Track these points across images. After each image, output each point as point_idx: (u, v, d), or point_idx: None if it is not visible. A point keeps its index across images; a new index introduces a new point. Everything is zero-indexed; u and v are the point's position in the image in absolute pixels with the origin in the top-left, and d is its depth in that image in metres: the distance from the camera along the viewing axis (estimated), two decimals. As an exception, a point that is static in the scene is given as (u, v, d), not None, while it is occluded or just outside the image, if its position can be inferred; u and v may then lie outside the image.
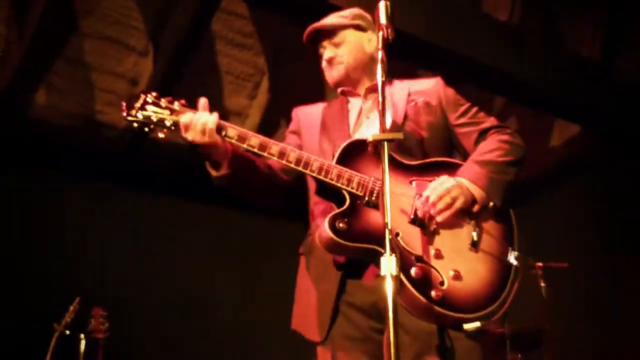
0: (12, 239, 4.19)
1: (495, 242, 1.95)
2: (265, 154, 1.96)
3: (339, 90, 2.25)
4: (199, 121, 1.95)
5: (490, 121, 2.12)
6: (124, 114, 1.98)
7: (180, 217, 4.88)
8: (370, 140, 1.77)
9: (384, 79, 1.84)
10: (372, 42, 2.23)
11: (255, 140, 1.96)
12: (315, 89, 5.22)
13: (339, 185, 1.92)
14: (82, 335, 3.69)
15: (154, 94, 2.02)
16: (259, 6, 4.28)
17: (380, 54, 1.87)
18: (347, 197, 1.92)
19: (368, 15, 2.27)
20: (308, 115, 2.28)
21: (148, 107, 1.99)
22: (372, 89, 2.16)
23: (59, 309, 3.75)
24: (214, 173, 2.02)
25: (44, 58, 4.35)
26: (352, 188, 1.92)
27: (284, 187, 2.17)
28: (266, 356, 4.72)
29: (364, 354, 1.94)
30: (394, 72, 2.10)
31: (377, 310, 1.92)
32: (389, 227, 1.64)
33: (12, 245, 4.18)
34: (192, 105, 2.04)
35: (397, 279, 1.59)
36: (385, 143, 1.73)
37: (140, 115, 1.98)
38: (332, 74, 2.21)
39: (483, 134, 2.09)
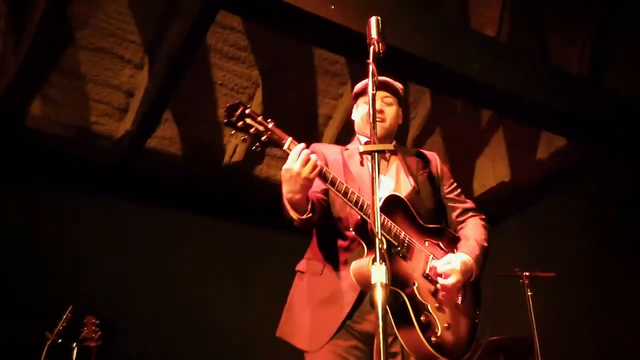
0: (5, 248, 4.19)
1: (471, 302, 2.34)
2: (343, 196, 2.14)
3: (364, 142, 2.47)
4: (312, 158, 2.08)
5: (470, 203, 2.55)
6: (224, 119, 2.07)
7: (174, 227, 4.90)
8: (360, 152, 1.94)
9: (374, 92, 1.98)
10: (400, 117, 2.55)
11: (341, 185, 2.15)
12: (308, 103, 5.31)
13: (385, 234, 2.15)
14: (74, 344, 3.68)
15: (249, 106, 2.12)
16: (253, 20, 4.35)
17: (371, 67, 1.99)
18: (384, 244, 2.11)
19: None
20: (332, 153, 2.46)
21: (246, 118, 2.08)
22: (392, 152, 2.44)
23: (51, 318, 3.74)
24: (302, 216, 2.15)
25: (39, 69, 4.39)
26: (391, 238, 2.19)
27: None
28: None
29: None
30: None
31: (369, 339, 2.19)
32: (379, 235, 1.76)
33: (5, 254, 4.19)
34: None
35: (385, 285, 1.69)
36: (376, 154, 1.86)
37: (239, 124, 2.07)
38: (379, 126, 2.38)
39: (465, 212, 2.50)
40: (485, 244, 2.43)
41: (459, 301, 2.28)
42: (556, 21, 4.88)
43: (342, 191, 2.14)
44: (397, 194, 2.31)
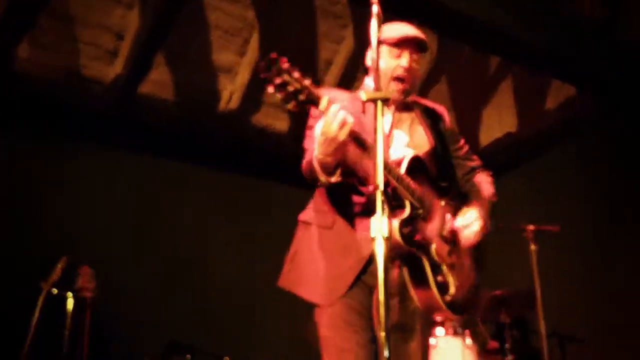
0: (-2, 198, 4.12)
1: (473, 265, 2.36)
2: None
3: (385, 100, 2.34)
4: (349, 120, 1.98)
5: (477, 161, 2.54)
6: (263, 74, 1.91)
7: (168, 176, 4.80)
8: (364, 100, 1.88)
9: (379, 36, 1.92)
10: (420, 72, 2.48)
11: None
12: (308, 46, 5.09)
13: (407, 194, 2.12)
14: (69, 294, 3.65)
15: (286, 61, 1.94)
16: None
17: (375, 8, 1.91)
18: (408, 206, 2.13)
19: None
20: (343, 102, 2.25)
21: (284, 74, 1.91)
22: (405, 106, 2.37)
23: (46, 268, 3.68)
24: (331, 179, 2.09)
25: (27, 11, 4.18)
26: (415, 200, 2.15)
27: None
28: (259, 315, 4.75)
29: (361, 328, 2.16)
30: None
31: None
32: (382, 187, 1.70)
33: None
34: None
35: (387, 239, 1.68)
36: (379, 102, 1.79)
37: (277, 80, 1.90)
38: (402, 87, 2.29)
39: (472, 170, 2.50)
40: (494, 199, 2.46)
41: (470, 260, 2.32)
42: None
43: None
44: (419, 155, 2.25)
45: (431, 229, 2.21)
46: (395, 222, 2.07)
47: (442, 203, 2.30)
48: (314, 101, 1.96)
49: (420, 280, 2.14)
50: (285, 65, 1.92)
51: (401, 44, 2.28)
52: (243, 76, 4.96)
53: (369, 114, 2.25)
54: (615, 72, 4.66)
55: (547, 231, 3.58)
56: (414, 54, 2.29)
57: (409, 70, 2.28)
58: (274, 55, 1.92)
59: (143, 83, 4.69)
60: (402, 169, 2.14)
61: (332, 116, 1.97)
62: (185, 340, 4.01)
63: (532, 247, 3.55)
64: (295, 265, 2.27)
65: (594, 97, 4.97)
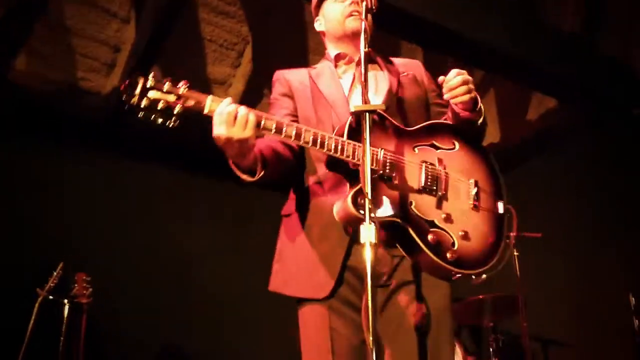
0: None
1: (488, 197, 2.09)
2: (282, 136, 1.87)
3: (334, 54, 2.24)
4: (240, 113, 1.80)
5: None
6: (124, 101, 1.75)
7: (164, 184, 4.89)
8: (352, 112, 1.87)
9: (367, 49, 1.90)
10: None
11: (290, 129, 1.86)
12: (298, 61, 5.21)
13: (354, 161, 1.89)
14: (65, 301, 3.71)
15: (151, 76, 1.79)
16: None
17: (363, 24, 1.93)
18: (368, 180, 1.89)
19: None
20: (297, 78, 2.23)
21: (150, 92, 1.76)
22: (368, 57, 2.06)
23: (42, 274, 3.76)
24: (248, 178, 1.92)
25: (24, 23, 4.27)
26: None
27: (294, 163, 2.12)
28: (252, 323, 4.81)
29: (352, 330, 1.97)
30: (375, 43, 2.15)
31: (377, 277, 1.94)
32: (369, 196, 1.70)
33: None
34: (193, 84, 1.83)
35: (374, 245, 1.65)
36: (367, 114, 1.79)
37: (143, 103, 1.75)
38: (358, 24, 2.12)
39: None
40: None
41: (473, 200, 2.03)
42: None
43: (294, 135, 1.86)
44: (364, 107, 1.92)
45: (403, 186, 1.93)
46: (349, 198, 1.82)
47: (416, 150, 2.02)
48: (196, 108, 1.80)
49: (410, 247, 1.92)
50: (149, 82, 1.76)
51: None
52: (237, 87, 5.08)
53: (324, 81, 2.14)
54: (595, 84, 4.78)
55: (530, 238, 3.72)
56: None
57: (357, 4, 2.10)
58: (134, 77, 1.76)
59: (139, 94, 4.78)
60: (344, 136, 1.91)
61: (218, 115, 1.79)
62: (181, 346, 4.08)
63: (515, 253, 3.69)
64: (282, 265, 2.10)
65: (574, 108, 5.12)
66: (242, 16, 4.82)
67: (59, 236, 4.24)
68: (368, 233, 1.67)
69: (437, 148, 2.07)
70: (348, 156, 1.90)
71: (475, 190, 2.05)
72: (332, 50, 2.30)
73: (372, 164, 1.86)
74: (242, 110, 1.82)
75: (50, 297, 3.73)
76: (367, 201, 1.71)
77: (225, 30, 4.85)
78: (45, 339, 3.60)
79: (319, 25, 2.34)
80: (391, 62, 2.28)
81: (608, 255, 4.56)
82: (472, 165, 2.11)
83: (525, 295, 3.62)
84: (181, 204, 4.94)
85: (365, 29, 1.93)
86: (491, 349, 3.80)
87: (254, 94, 5.16)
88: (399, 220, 1.90)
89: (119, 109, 4.74)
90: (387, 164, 1.94)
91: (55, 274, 3.77)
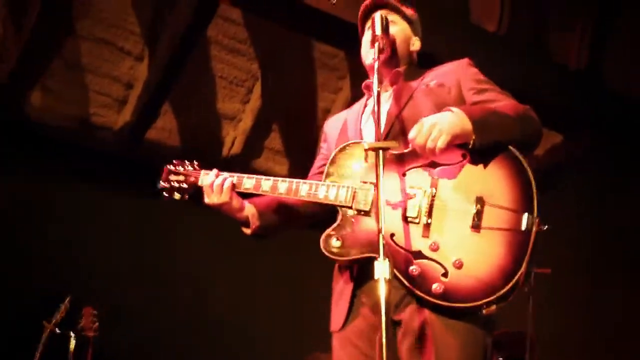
0: (5, 237, 4.20)
1: (505, 213, 1.82)
2: (260, 192, 2.11)
3: (363, 85, 2.25)
4: (216, 183, 2.11)
5: (510, 101, 2.02)
6: (158, 187, 2.24)
7: (174, 218, 4.90)
8: (366, 149, 1.87)
9: (379, 89, 1.90)
10: (415, 45, 2.24)
11: (267, 184, 2.09)
12: (307, 96, 5.31)
13: (327, 203, 2.00)
14: (72, 334, 3.70)
15: (175, 162, 2.26)
16: (252, 12, 4.35)
17: (376, 65, 1.93)
18: (339, 210, 1.98)
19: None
20: (335, 120, 2.35)
21: (171, 176, 2.23)
22: (392, 78, 2.14)
23: (49, 308, 3.76)
24: (247, 231, 2.21)
25: (40, 59, 4.39)
26: (340, 201, 1.96)
27: (306, 213, 2.25)
28: (261, 353, 4.77)
29: (372, 348, 1.91)
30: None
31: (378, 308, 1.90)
32: (382, 232, 1.70)
33: (4, 244, 4.20)
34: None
35: (389, 281, 1.65)
36: (380, 152, 1.77)
37: (166, 185, 2.24)
38: (379, 55, 1.97)
39: None
40: (504, 110, 1.92)
41: (472, 222, 1.82)
42: (556, 15, 4.88)
43: (270, 188, 2.08)
44: (350, 141, 2.06)
45: (386, 218, 1.79)
46: (322, 238, 1.94)
47: (405, 175, 1.93)
48: (195, 182, 2.17)
49: (396, 280, 1.83)
50: (170, 166, 2.24)
51: (366, 14, 2.19)
52: (246, 122, 5.15)
53: (353, 119, 2.19)
54: (601, 119, 4.82)
55: (538, 274, 3.69)
56: (383, 14, 2.08)
57: (381, 37, 1.97)
58: (165, 167, 2.24)
59: (150, 130, 4.86)
60: (323, 176, 2.04)
61: (204, 188, 2.13)
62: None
63: (525, 289, 3.65)
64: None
65: (581, 143, 5.16)
66: (252, 54, 4.93)
67: (67, 269, 4.27)
68: (382, 269, 1.67)
69: (437, 166, 1.90)
70: (320, 199, 2.02)
71: (475, 209, 1.83)
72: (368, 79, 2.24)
73: (344, 201, 1.95)
74: (219, 179, 2.11)
75: (57, 330, 3.71)
76: (380, 237, 1.70)
77: (235, 68, 4.96)
78: (51, 371, 3.58)
79: (363, 56, 2.26)
80: (419, 74, 2.15)
81: (618, 291, 4.52)
82: (484, 178, 1.88)
83: (535, 332, 3.58)
84: (192, 237, 4.94)
85: (377, 69, 1.92)
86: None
87: (263, 129, 5.25)
88: (374, 256, 1.72)
89: (130, 143, 4.82)
90: (363, 199, 1.94)
91: (62, 307, 3.76)
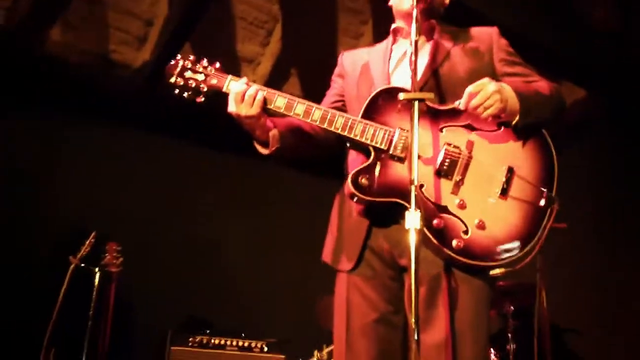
0: (29, 175, 4.26)
1: (529, 186, 1.97)
2: (292, 114, 2.04)
3: (392, 28, 2.24)
4: (248, 92, 2.00)
5: (539, 78, 2.13)
6: (166, 79, 2.07)
7: (194, 159, 4.96)
8: (400, 99, 1.87)
9: (417, 37, 1.90)
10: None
11: (300, 107, 2.01)
12: (327, 41, 5.22)
13: (362, 141, 1.98)
14: (96, 269, 3.82)
15: (191, 57, 2.08)
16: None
17: (415, 12, 1.93)
18: (372, 151, 1.99)
19: None
20: (353, 57, 2.29)
21: (186, 72, 2.06)
22: (427, 30, 2.14)
23: (75, 243, 3.85)
24: (264, 151, 2.10)
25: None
26: (377, 142, 1.97)
27: (325, 143, 2.21)
28: (281, 296, 4.90)
29: (378, 297, 2.02)
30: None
31: (392, 257, 2.03)
32: (416, 182, 1.74)
33: (29, 181, 4.26)
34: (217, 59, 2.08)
35: (419, 231, 1.70)
36: (416, 102, 1.81)
37: (180, 82, 2.06)
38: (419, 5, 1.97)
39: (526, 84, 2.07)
40: (542, 91, 2.02)
41: (501, 188, 1.94)
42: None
43: (303, 112, 2.00)
44: (390, 86, 2.05)
45: (419, 169, 1.80)
46: (350, 176, 1.94)
47: (444, 131, 1.98)
48: (217, 87, 2.05)
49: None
50: (185, 62, 2.06)
51: None
52: (265, 66, 5.10)
53: (376, 60, 2.15)
54: (624, 79, 4.78)
55: (553, 228, 3.74)
56: None
57: None
58: (177, 58, 2.07)
59: (169, 70, 4.81)
60: (359, 114, 2.00)
61: (232, 94, 1.99)
62: (205, 316, 4.19)
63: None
64: (329, 234, 2.20)
65: (603, 100, 5.11)
66: (273, -6, 4.83)
67: (91, 206, 4.34)
68: (413, 219, 1.72)
69: (473, 129, 2.00)
70: (356, 135, 1.98)
71: (505, 177, 1.96)
72: (394, 24, 2.26)
73: (381, 144, 1.96)
74: (251, 89, 2.00)
75: (82, 265, 3.82)
76: (413, 188, 1.75)
77: (256, 8, 4.86)
78: (77, 305, 3.71)
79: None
80: (454, 33, 2.17)
81: (632, 247, 4.58)
82: (515, 150, 2.00)
83: (546, 284, 3.66)
84: (209, 179, 5.01)
85: (416, 17, 1.92)
86: (509, 335, 3.87)
87: (282, 73, 5.19)
88: (400, 202, 1.88)
89: (151, 82, 4.80)
90: (400, 144, 1.95)
91: (87, 242, 3.86)
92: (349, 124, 1.99)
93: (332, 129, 2.01)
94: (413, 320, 1.67)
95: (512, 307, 3.92)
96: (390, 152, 1.97)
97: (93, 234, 3.87)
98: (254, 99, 1.99)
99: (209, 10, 4.53)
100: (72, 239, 3.89)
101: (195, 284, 4.63)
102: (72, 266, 3.80)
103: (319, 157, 2.32)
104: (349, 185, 1.94)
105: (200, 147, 4.96)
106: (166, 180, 4.80)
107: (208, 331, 4.04)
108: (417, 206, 1.75)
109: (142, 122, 4.76)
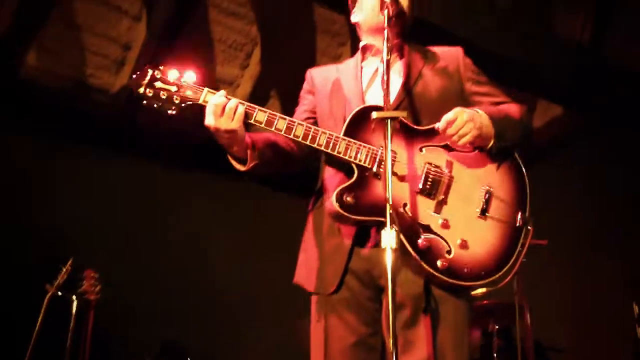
0: (4, 200, 4.19)
1: (506, 207, 1.99)
2: (273, 129, 1.96)
3: (361, 45, 2.24)
4: (229, 105, 1.91)
5: (504, 97, 2.16)
6: (133, 90, 1.94)
7: (173, 181, 4.91)
8: (373, 118, 1.87)
9: (389, 57, 1.90)
10: (410, 8, 2.19)
11: (282, 122, 1.93)
12: (306, 63, 5.24)
13: (346, 158, 1.94)
14: (74, 297, 3.72)
15: (161, 67, 1.97)
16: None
17: (385, 32, 1.93)
18: (355, 169, 1.95)
19: None
20: (323, 73, 2.26)
21: (156, 83, 1.94)
22: (396, 48, 2.14)
23: (52, 271, 3.77)
24: (241, 168, 2.00)
25: (35, 19, 4.29)
26: (360, 160, 1.94)
27: (300, 158, 2.17)
28: (259, 321, 4.85)
29: (356, 319, 1.99)
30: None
31: (371, 279, 2.00)
32: (390, 201, 1.73)
33: (4, 206, 4.19)
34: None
35: (397, 251, 1.68)
36: (388, 121, 1.81)
37: (149, 92, 1.93)
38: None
39: (497, 105, 2.10)
40: (513, 115, 2.06)
41: (481, 208, 1.96)
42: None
43: (284, 128, 1.92)
44: (370, 104, 2.01)
45: (399, 186, 1.91)
46: (334, 195, 1.89)
47: (423, 150, 1.99)
48: (192, 99, 1.94)
49: (401, 251, 1.80)
50: (156, 72, 1.93)
51: None
52: (244, 88, 5.11)
53: (347, 77, 2.13)
54: (601, 92, 4.85)
55: (534, 246, 3.74)
56: None
57: None
58: (144, 68, 1.93)
59: (147, 93, 4.80)
60: (342, 131, 1.95)
61: (210, 106, 1.90)
62: (183, 344, 4.11)
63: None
64: (301, 259, 2.14)
65: (579, 115, 5.18)
66: (252, 17, 4.85)
67: (68, 232, 4.26)
68: (389, 238, 1.70)
69: (451, 150, 2.01)
70: (339, 152, 1.93)
71: (485, 198, 1.97)
72: (363, 41, 2.24)
73: (365, 161, 1.92)
74: (232, 102, 1.92)
75: (59, 293, 3.73)
76: (387, 207, 1.73)
77: (234, 31, 4.88)
78: (54, 334, 3.61)
79: (354, 16, 2.23)
80: (422, 52, 2.19)
81: (611, 263, 4.60)
82: (491, 172, 2.03)
83: (527, 301, 3.65)
84: (188, 201, 4.96)
85: (387, 37, 1.92)
86: (494, 354, 3.84)
87: (261, 95, 5.20)
88: (384, 220, 1.74)
89: (128, 106, 4.77)
90: (382, 162, 1.89)
91: (64, 270, 3.77)
92: (332, 141, 1.95)
93: (315, 145, 1.96)
94: (391, 342, 1.64)
95: (496, 326, 3.90)
96: (374, 170, 1.94)
97: (70, 261, 3.78)
98: (235, 112, 1.91)
99: (187, 33, 4.54)
100: (49, 267, 3.80)
101: (179, 308, 4.56)
102: (48, 294, 3.71)
103: (290, 174, 2.27)
104: (333, 204, 1.89)
105: (177, 168, 4.92)
106: (145, 203, 4.75)
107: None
108: (400, 225, 1.74)
109: (121, 146, 4.72)
